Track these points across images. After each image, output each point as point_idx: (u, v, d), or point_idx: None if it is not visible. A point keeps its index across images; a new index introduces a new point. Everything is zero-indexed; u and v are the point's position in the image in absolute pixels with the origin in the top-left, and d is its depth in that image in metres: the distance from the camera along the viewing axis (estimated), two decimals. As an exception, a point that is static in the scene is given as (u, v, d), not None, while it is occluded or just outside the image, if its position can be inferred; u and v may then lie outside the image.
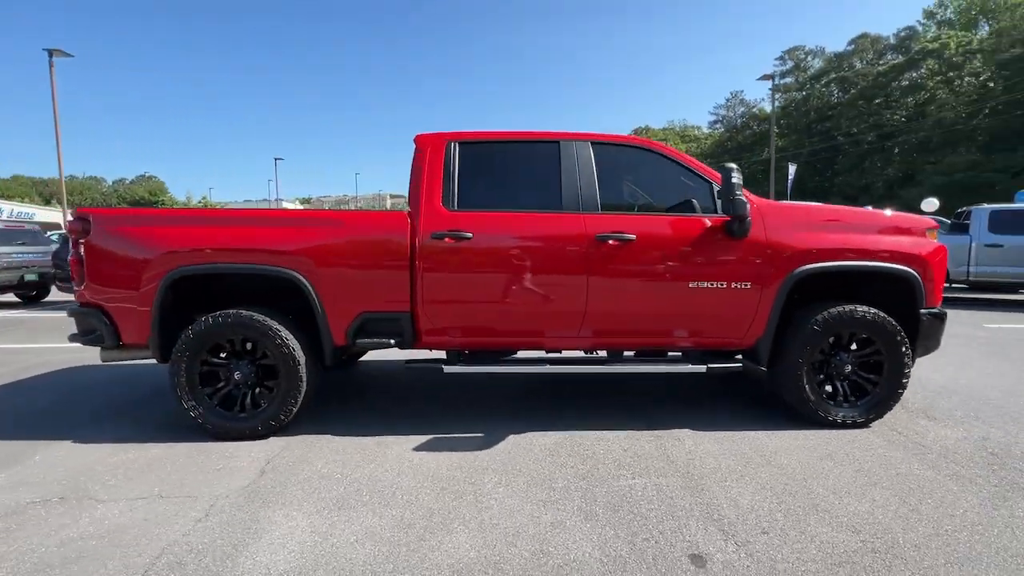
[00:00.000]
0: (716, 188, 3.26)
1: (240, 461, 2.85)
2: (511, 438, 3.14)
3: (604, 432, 3.21)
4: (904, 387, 3.24)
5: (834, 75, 48.97)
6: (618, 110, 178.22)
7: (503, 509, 2.32)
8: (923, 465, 2.73)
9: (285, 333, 3.09)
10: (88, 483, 2.59)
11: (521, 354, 3.60)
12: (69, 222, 3.21)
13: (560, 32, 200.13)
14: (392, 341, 3.22)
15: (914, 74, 42.24)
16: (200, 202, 73.41)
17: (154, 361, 3.22)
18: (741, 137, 57.24)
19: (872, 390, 3.26)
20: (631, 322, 3.24)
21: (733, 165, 2.97)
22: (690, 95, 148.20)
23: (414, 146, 3.38)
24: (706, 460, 2.81)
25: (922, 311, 3.25)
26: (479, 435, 3.20)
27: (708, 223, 3.18)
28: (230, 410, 3.17)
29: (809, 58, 52.96)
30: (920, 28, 47.36)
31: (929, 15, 45.80)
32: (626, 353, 3.53)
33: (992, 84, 38.93)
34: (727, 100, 61.00)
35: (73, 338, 3.25)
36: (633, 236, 3.12)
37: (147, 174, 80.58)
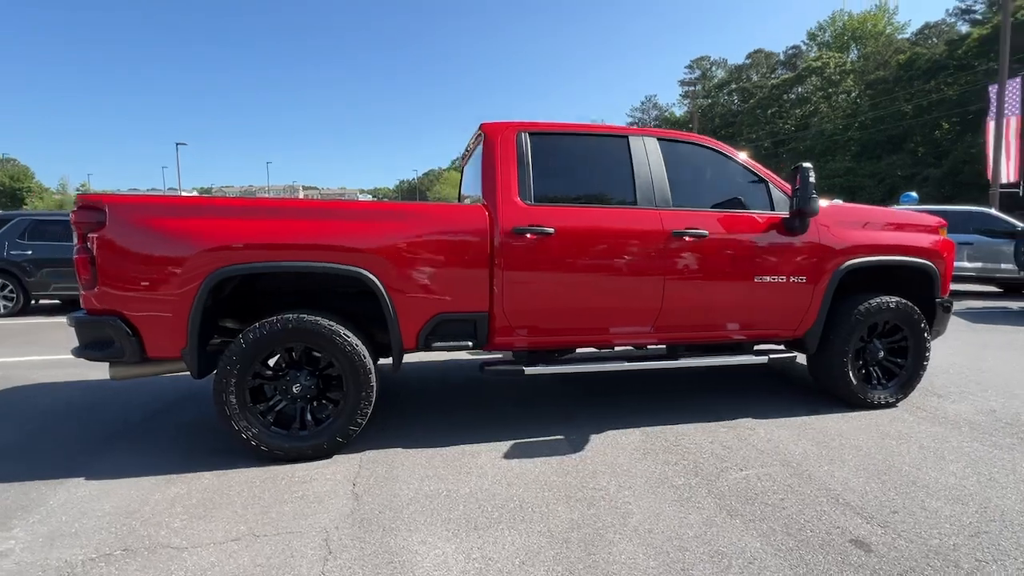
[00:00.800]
0: (771, 187, 3.43)
1: (318, 485, 2.51)
2: (594, 438, 3.08)
3: (676, 426, 3.25)
4: (925, 369, 3.63)
5: (735, 85, 53.63)
6: (535, 110, 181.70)
7: (646, 513, 2.26)
8: (964, 437, 3.07)
9: (354, 339, 2.77)
10: (147, 528, 2.14)
11: (583, 350, 3.55)
12: (75, 212, 2.62)
13: (490, 33, 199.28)
14: (470, 343, 3.01)
15: (800, 89, 47.47)
16: (79, 189, 63.79)
17: (123, 376, 2.76)
18: (654, 139, 60.76)
19: (899, 372, 3.62)
20: (700, 316, 3.30)
21: (809, 165, 3.13)
22: (608, 97, 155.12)
23: (481, 134, 3.18)
24: (789, 447, 2.95)
25: (938, 300, 3.66)
26: (559, 437, 3.10)
27: (770, 220, 3.33)
28: (288, 428, 2.79)
29: (713, 68, 57.44)
30: (804, 48, 53.27)
31: (812, 36, 51.58)
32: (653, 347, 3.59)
33: (860, 101, 44.87)
34: (642, 103, 64.44)
35: (80, 352, 2.67)
36: (706, 232, 3.18)
37: (6, 156, 68.21)
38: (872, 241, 3.48)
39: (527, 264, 2.98)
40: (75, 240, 2.63)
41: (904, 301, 3.52)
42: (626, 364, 3.24)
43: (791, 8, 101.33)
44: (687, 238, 3.16)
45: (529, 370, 3.06)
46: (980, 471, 2.64)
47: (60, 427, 3.32)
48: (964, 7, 41.97)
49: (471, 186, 3.73)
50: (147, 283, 2.61)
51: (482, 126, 3.19)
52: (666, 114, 63.43)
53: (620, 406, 3.63)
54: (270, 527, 2.15)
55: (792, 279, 3.35)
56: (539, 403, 3.72)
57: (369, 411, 2.84)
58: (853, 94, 46.49)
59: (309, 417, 2.82)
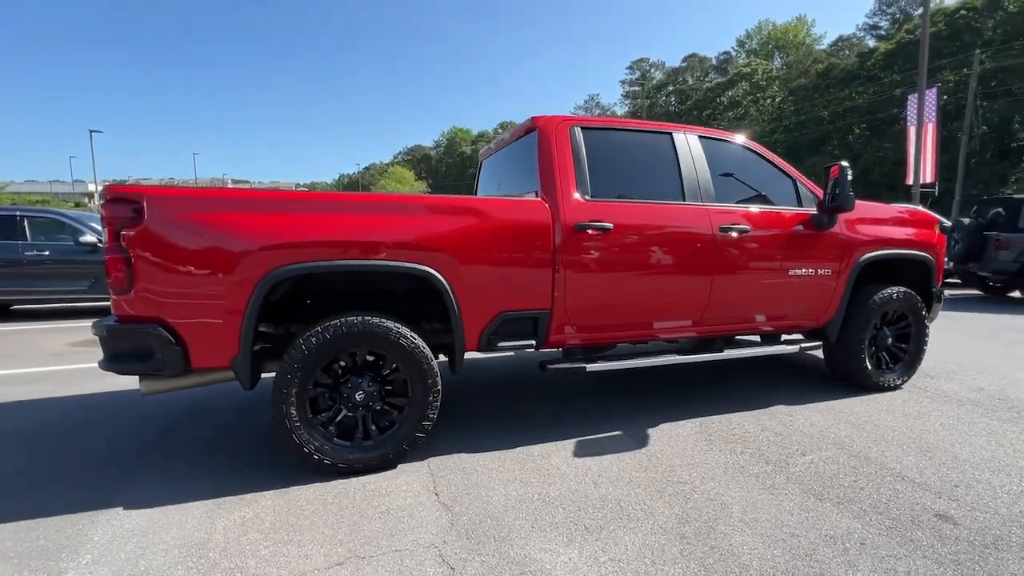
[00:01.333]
0: (798, 184, 3.60)
1: (398, 498, 2.36)
2: (651, 431, 3.11)
3: (720, 416, 3.35)
4: (924, 353, 3.97)
5: (672, 88, 56.06)
6: (477, 106, 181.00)
7: (742, 503, 2.31)
8: (972, 414, 3.39)
9: (420, 341, 2.62)
10: (231, 559, 1.92)
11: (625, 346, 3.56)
12: (105, 205, 2.28)
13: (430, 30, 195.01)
14: (533, 343, 2.94)
15: (732, 92, 50.41)
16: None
17: (156, 390, 2.47)
18: (597, 137, 62.28)
19: (904, 357, 3.94)
20: (739, 309, 3.42)
21: (847, 164, 3.31)
22: (550, 94, 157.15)
23: (534, 128, 3.10)
24: (832, 430, 3.12)
25: (934, 289, 4.01)
26: (616, 433, 3.10)
27: (800, 215, 3.49)
28: (351, 438, 2.59)
29: (652, 70, 59.68)
30: (734, 54, 56.55)
31: (741, 44, 54.85)
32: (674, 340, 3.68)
33: (784, 106, 48.34)
34: (585, 102, 65.80)
35: (110, 365, 2.34)
36: (748, 228, 3.29)
37: None
38: (885, 236, 3.75)
39: (587, 260, 2.94)
40: (105, 238, 2.30)
41: (910, 291, 3.83)
42: (677, 358, 3.29)
43: (723, 15, 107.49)
44: (732, 233, 3.25)
45: (591, 367, 3.03)
46: (1003, 443, 2.92)
47: (62, 450, 2.90)
48: (871, 23, 46.33)
49: (506, 183, 3.63)
50: (194, 286, 2.33)
51: (534, 120, 3.11)
52: (608, 113, 65.16)
53: (653, 399, 3.69)
54: (371, 547, 1.99)
55: (820, 271, 3.54)
56: (573, 400, 3.70)
57: (435, 416, 2.70)
58: (778, 99, 49.99)
59: (372, 426, 2.63)
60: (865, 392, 3.81)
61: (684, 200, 3.24)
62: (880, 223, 3.79)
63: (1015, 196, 9.87)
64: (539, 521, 2.17)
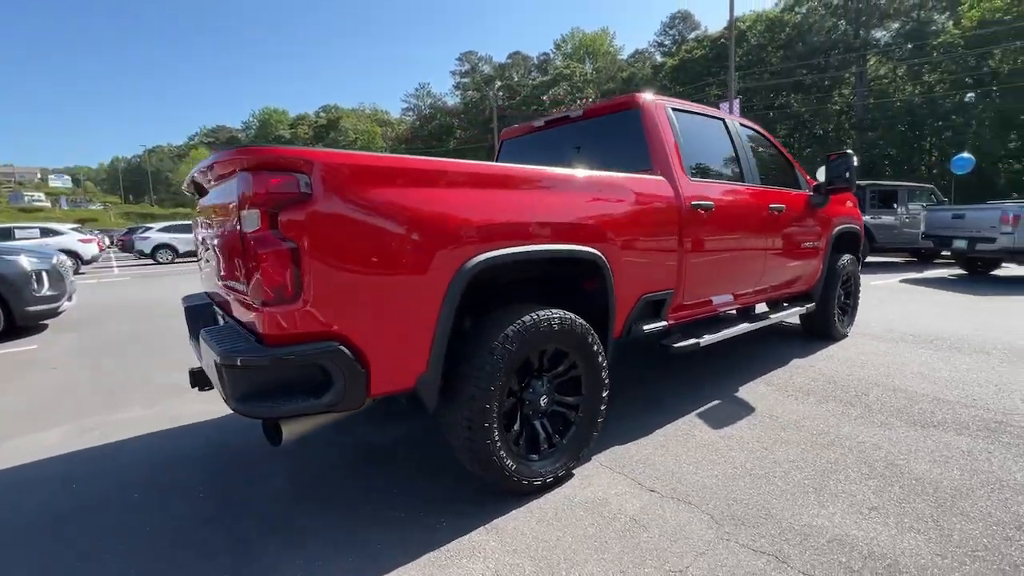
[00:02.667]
0: (795, 169, 4.20)
1: (623, 503, 2.14)
2: (742, 396, 3.35)
3: (770, 375, 3.78)
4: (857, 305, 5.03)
5: (500, 83, 58.51)
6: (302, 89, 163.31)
7: (883, 439, 2.67)
8: (919, 350, 4.42)
9: (594, 335, 2.39)
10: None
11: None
12: (253, 174, 1.52)
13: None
14: (664, 325, 2.89)
15: (554, 91, 54.87)
16: None
17: (299, 432, 1.82)
18: (431, 127, 61.95)
19: (850, 310, 4.92)
20: (778, 276, 3.86)
21: (851, 152, 3.94)
22: (380, 80, 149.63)
23: (634, 106, 3.01)
24: (853, 372, 3.77)
25: (860, 254, 5.08)
26: (717, 401, 3.27)
27: (804, 196, 4.08)
28: (537, 449, 2.25)
29: (481, 64, 61.35)
30: (552, 55, 61.47)
31: (558, 47, 59.87)
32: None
33: (598, 106, 54.52)
34: (416, 90, 64.55)
35: (250, 406, 1.60)
36: (783, 206, 3.74)
37: None
38: (844, 212, 4.61)
39: (699, 238, 3.02)
40: (245, 222, 1.56)
41: (853, 257, 4.79)
42: (749, 326, 3.57)
43: (543, 17, 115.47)
44: (775, 212, 3.65)
45: (704, 341, 3.12)
46: (959, 368, 3.89)
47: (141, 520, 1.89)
48: (659, 41, 54.95)
49: (575, 161, 3.46)
50: (380, 286, 1.74)
51: (636, 97, 3.02)
52: (439, 103, 65.05)
53: (702, 370, 3.97)
54: (672, 560, 1.79)
55: (817, 243, 4.21)
56: (652, 382, 3.77)
57: (604, 415, 2.50)
58: (591, 100, 56.16)
59: (550, 432, 2.32)
60: (833, 341, 4.67)
61: (743, 181, 3.52)
62: (839, 202, 4.64)
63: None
64: (772, 490, 2.20)
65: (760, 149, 3.93)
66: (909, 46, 40.00)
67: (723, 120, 3.59)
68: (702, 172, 3.22)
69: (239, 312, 1.85)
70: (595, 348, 2.36)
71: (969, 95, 34.04)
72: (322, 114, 71.74)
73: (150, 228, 19.16)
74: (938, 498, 2.12)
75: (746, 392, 3.44)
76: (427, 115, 63.67)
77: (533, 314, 2.12)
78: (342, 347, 1.67)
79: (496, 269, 2.03)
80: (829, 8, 41.35)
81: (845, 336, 4.80)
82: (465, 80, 60.10)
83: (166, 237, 18.11)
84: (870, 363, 3.99)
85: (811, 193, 4.15)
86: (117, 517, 2.15)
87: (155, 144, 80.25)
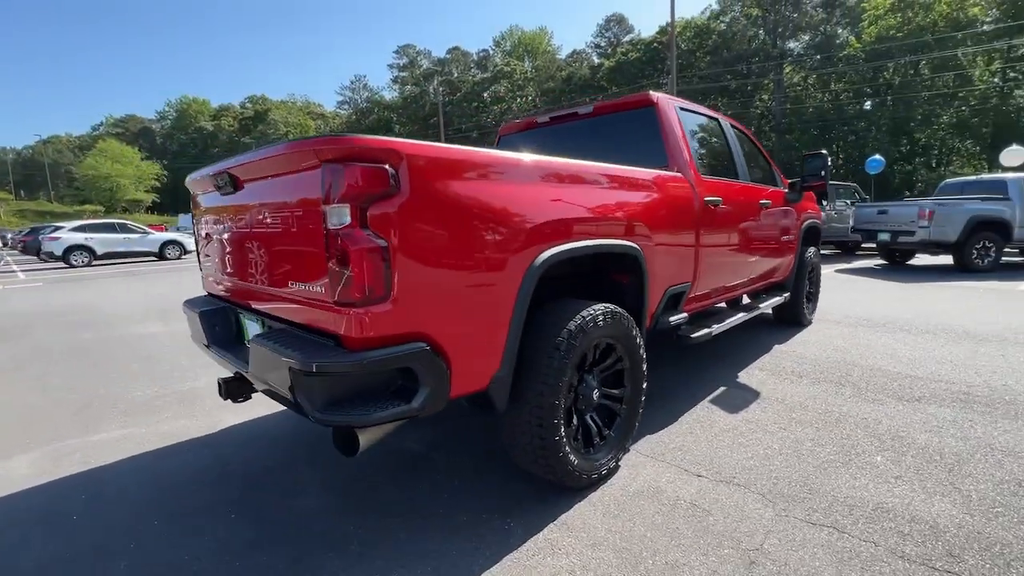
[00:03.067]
0: (772, 167, 4.48)
1: (678, 489, 2.21)
2: (744, 381, 3.55)
3: (760, 361, 4.02)
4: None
5: (440, 78, 57.70)
6: (224, 79, 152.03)
7: (879, 415, 2.93)
8: (876, 333, 4.87)
9: (636, 327, 2.43)
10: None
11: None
12: (343, 171, 1.41)
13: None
14: (686, 315, 2.99)
15: (494, 88, 54.87)
16: None
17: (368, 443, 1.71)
18: (368, 121, 60.03)
19: (813, 298, 5.33)
20: (764, 266, 4.11)
21: (825, 152, 4.24)
22: (311, 72, 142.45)
23: (649, 103, 3.09)
24: (827, 355, 4.10)
25: (819, 247, 5.51)
26: (723, 388, 3.43)
27: (781, 192, 4.37)
28: (591, 443, 2.26)
29: (420, 58, 60.15)
30: (492, 52, 61.41)
31: (497, 44, 59.86)
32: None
33: (539, 106, 55.17)
34: (351, 83, 62.26)
35: (335, 414, 1.49)
36: (769, 202, 3.99)
37: None
38: (810, 208, 4.98)
39: (712, 232, 3.15)
40: (331, 217, 1.45)
41: (816, 249, 5.20)
42: (744, 315, 3.77)
43: (481, 14, 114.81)
44: (764, 207, 3.89)
45: (714, 331, 3.25)
46: (916, 348, 4.33)
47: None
48: (595, 42, 56.41)
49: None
50: (461, 283, 1.68)
51: (651, 95, 3.09)
52: (376, 96, 63.23)
53: (690, 361, 4.15)
54: (742, 543, 1.87)
55: (792, 236, 4.52)
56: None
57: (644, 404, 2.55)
58: (531, 98, 56.71)
59: (599, 425, 2.34)
60: (801, 328, 5.04)
61: (738, 178, 3.71)
62: (806, 198, 5.00)
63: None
64: (805, 467, 2.35)
65: (747, 148, 4.15)
66: (818, 57, 43.62)
67: (718, 120, 3.77)
68: (709, 169, 3.36)
69: (302, 315, 1.71)
70: (638, 340, 2.41)
71: (868, 103, 37.59)
72: (248, 105, 67.37)
73: (60, 227, 17.12)
74: (946, 464, 2.36)
75: (746, 378, 3.64)
76: (364, 109, 61.63)
77: (590, 309, 2.13)
78: (428, 348, 1.59)
79: (559, 265, 2.01)
80: (750, 19, 44.26)
81: (810, 323, 5.19)
82: (404, 74, 58.72)
83: (80, 237, 16.26)
84: (841, 346, 4.35)
85: (786, 190, 4.45)
86: (146, 551, 1.93)
87: (51, 134, 71.86)
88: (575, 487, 2.16)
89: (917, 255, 10.42)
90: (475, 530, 1.97)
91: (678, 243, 2.84)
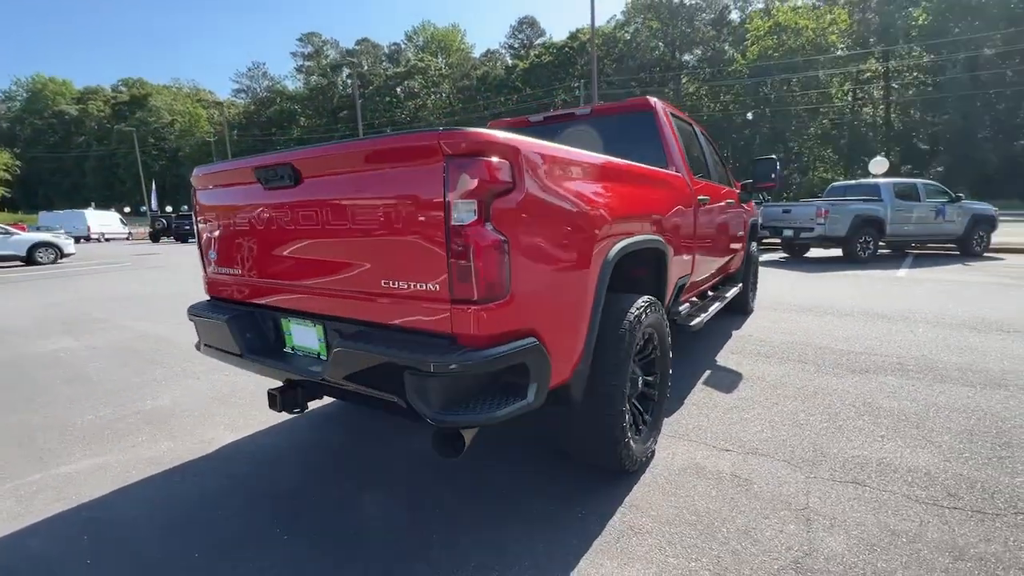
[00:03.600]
0: (727, 169, 4.94)
1: (719, 464, 2.40)
2: (729, 365, 3.89)
3: (729, 346, 4.43)
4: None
5: (348, 70, 55.22)
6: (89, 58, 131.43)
7: (847, 386, 3.38)
8: (808, 316, 5.54)
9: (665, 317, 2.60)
10: None
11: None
12: (472, 166, 1.37)
13: None
14: (688, 305, 3.22)
15: (408, 83, 53.65)
16: None
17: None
18: (269, 112, 55.88)
19: (754, 288, 5.94)
20: (726, 260, 4.52)
21: (775, 156, 4.73)
22: (200, 56, 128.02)
23: (648, 108, 3.28)
24: (790, 336, 4.62)
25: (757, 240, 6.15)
26: (708, 372, 3.75)
27: (736, 192, 4.83)
28: (637, 430, 2.38)
29: (326, 48, 57.04)
30: (403, 46, 59.91)
31: (409, 38, 58.51)
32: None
33: (454, 103, 54.85)
34: (249, 70, 57.47)
35: (454, 415, 1.46)
36: (733, 201, 4.40)
37: None
38: (752, 206, 5.54)
39: (702, 228, 3.42)
40: (456, 213, 1.41)
41: (756, 244, 5.80)
42: (719, 304, 4.11)
43: (391, 5, 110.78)
44: (730, 205, 4.28)
45: (704, 318, 3.52)
46: (845, 328, 5.01)
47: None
48: (509, 43, 57.26)
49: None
50: (559, 276, 1.71)
51: (649, 100, 3.29)
52: (278, 86, 59.08)
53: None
54: (793, 506, 2.10)
55: (744, 232, 5.01)
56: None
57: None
58: (445, 95, 56.24)
59: (641, 411, 2.47)
60: (747, 315, 5.60)
61: (711, 179, 4.05)
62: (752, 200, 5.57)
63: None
64: (809, 434, 2.67)
65: (711, 151, 4.54)
66: (709, 70, 47.90)
67: (692, 125, 4.08)
68: (694, 171, 3.63)
69: (396, 316, 1.63)
70: (667, 329, 2.58)
71: (750, 114, 42.11)
72: (123, 88, 59.52)
73: None
74: (912, 423, 2.80)
75: (723, 361, 4.00)
76: (264, 99, 57.19)
77: (639, 301, 2.25)
78: (537, 342, 1.61)
79: (622, 259, 2.11)
80: (652, 31, 47.50)
81: (753, 310, 5.79)
82: (309, 63, 55.34)
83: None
84: (787, 329, 4.91)
85: (739, 191, 4.93)
86: (196, 583, 1.73)
87: None
88: (627, 471, 2.27)
89: (812, 248, 11.92)
90: (551, 522, 2.01)
91: (685, 237, 3.06)
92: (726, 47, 47.31)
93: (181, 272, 11.81)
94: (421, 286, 1.55)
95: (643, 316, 2.21)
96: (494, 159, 1.45)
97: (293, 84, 58.50)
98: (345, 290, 1.75)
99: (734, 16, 48.20)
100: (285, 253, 1.91)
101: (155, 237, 28.42)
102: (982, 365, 3.69)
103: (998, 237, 11.31)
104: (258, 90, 58.17)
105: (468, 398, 1.53)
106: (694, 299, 4.35)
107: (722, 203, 4.03)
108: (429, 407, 1.47)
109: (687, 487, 2.23)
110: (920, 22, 37.76)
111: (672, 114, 3.59)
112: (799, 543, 1.84)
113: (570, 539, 1.90)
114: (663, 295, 2.76)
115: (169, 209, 38.95)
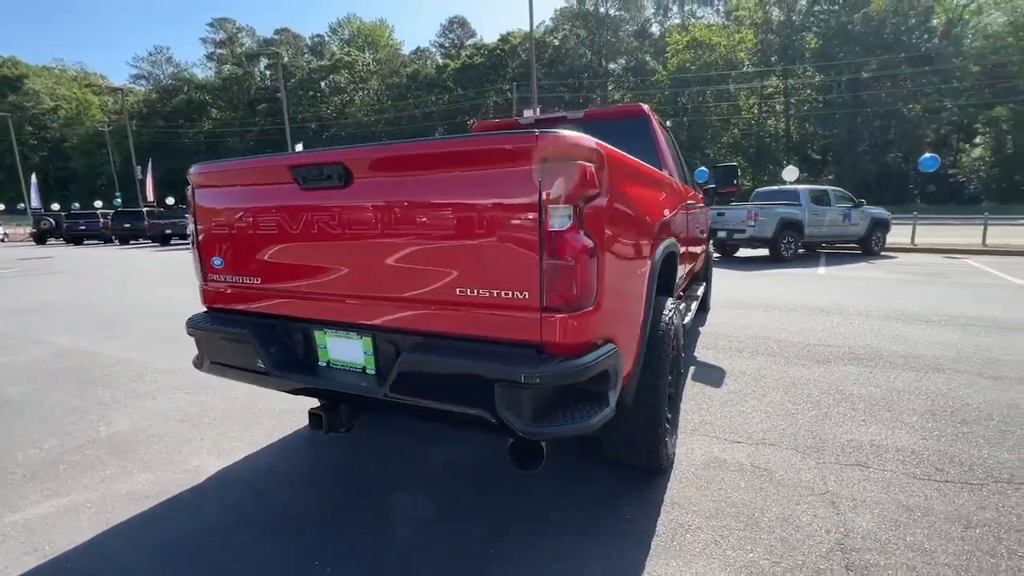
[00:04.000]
0: (690, 175, 5.21)
1: (735, 455, 2.52)
2: (710, 361, 4.09)
3: (703, 340, 4.67)
4: (711, 283, 6.49)
5: (267, 61, 51.88)
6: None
7: (819, 376, 3.69)
8: (768, 316, 5.97)
9: (678, 316, 2.70)
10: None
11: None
12: (571, 170, 1.32)
13: None
14: (685, 304, 3.34)
15: (334, 77, 51.35)
16: None
17: None
18: (175, 101, 51.17)
19: (708, 287, 6.31)
20: (696, 259, 4.76)
21: (736, 163, 5.04)
22: (87, 36, 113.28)
23: (642, 113, 3.38)
24: (753, 330, 4.95)
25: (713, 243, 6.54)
26: (692, 367, 3.93)
27: (700, 194, 5.11)
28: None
29: (241, 35, 53.22)
30: (328, 39, 57.29)
31: (334, 31, 56.02)
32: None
33: (383, 99, 53.28)
34: (150, 54, 52.23)
35: (546, 427, 1.42)
36: (701, 204, 4.65)
37: None
38: (708, 210, 5.89)
39: (688, 229, 3.59)
40: (553, 218, 1.37)
41: (712, 244, 6.17)
42: (696, 303, 4.31)
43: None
44: (699, 207, 4.52)
45: (689, 320, 3.69)
46: (795, 322, 5.45)
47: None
48: (439, 42, 56.57)
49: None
50: (627, 281, 1.71)
51: (642, 106, 3.38)
52: (185, 73, 54.32)
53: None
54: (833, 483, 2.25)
55: (706, 233, 5.31)
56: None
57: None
58: (375, 91, 54.46)
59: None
60: (707, 311, 5.94)
61: (686, 182, 4.25)
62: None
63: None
64: (804, 423, 2.88)
65: (680, 157, 4.76)
66: (633, 79, 50.26)
67: (668, 129, 4.26)
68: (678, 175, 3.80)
69: (470, 325, 1.54)
70: (682, 328, 2.67)
71: (669, 122, 44.64)
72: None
73: None
74: (883, 407, 3.11)
75: (703, 357, 4.21)
76: (169, 86, 52.26)
77: (668, 302, 2.30)
78: (616, 349, 1.60)
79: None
80: (579, 39, 49.03)
81: (710, 307, 6.15)
82: (222, 51, 51.27)
83: None
84: (744, 325, 5.27)
85: (704, 194, 5.22)
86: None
87: None
88: (658, 469, 2.32)
89: (741, 249, 12.88)
90: (601, 527, 2.00)
91: (681, 239, 3.18)
92: (647, 58, 49.96)
93: (85, 279, 10.47)
94: (507, 294, 1.48)
95: (676, 317, 2.27)
96: (588, 164, 1.42)
97: (203, 72, 53.96)
98: (408, 299, 1.64)
99: (655, 29, 51.01)
100: (325, 259, 1.75)
101: (40, 239, 24.98)
102: (917, 352, 4.18)
103: (889, 237, 12.88)
104: (162, 77, 52.96)
105: (556, 409, 1.48)
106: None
107: (699, 206, 4.25)
108: (520, 419, 1.41)
109: (717, 481, 2.32)
110: (812, 45, 42.19)
111: (659, 122, 3.73)
112: (835, 525, 1.98)
113: (628, 539, 1.91)
114: (672, 295, 2.85)
115: (56, 207, 34.37)
